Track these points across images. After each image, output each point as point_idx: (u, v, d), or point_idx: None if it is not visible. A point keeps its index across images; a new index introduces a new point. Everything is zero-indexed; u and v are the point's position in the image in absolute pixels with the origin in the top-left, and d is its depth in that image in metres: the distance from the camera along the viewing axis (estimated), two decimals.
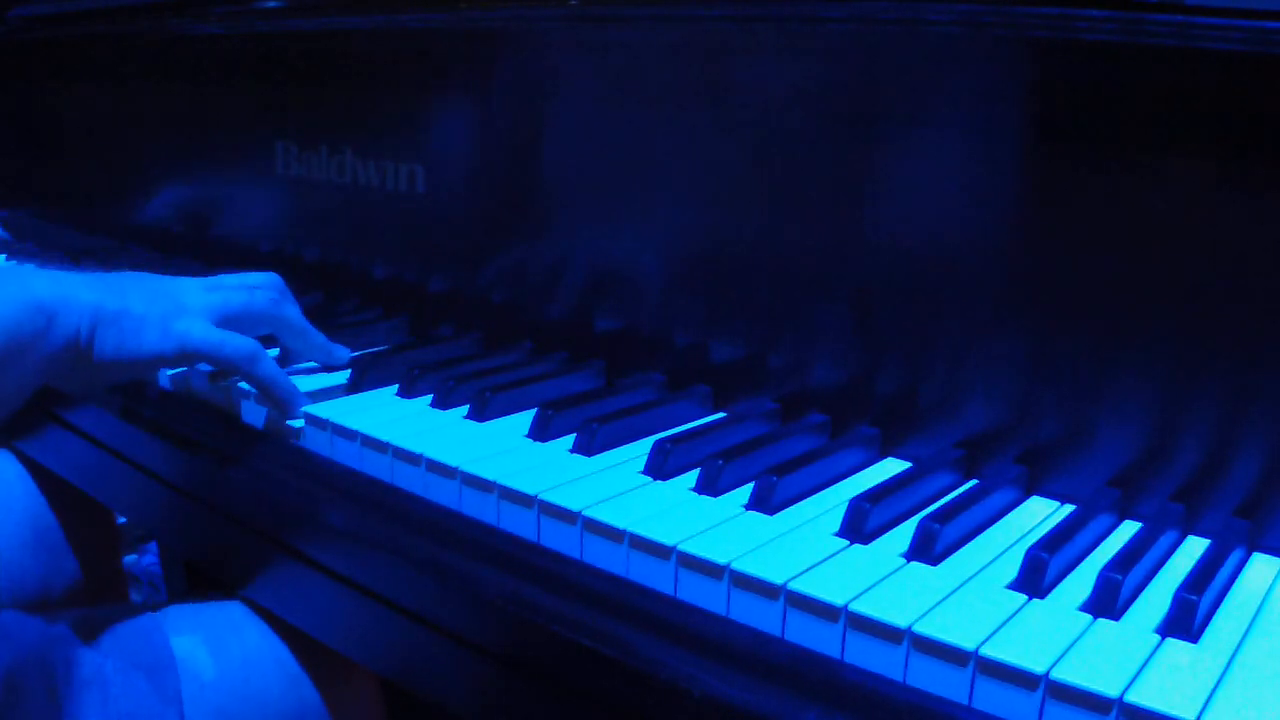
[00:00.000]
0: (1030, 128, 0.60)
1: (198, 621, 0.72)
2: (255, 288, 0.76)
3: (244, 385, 0.75)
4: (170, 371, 0.82)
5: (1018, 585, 0.50)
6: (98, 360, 0.68)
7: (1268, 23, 0.51)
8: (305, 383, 0.76)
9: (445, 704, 0.59)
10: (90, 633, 0.66)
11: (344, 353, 0.80)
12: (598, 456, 0.64)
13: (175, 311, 0.70)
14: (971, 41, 0.61)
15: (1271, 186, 0.53)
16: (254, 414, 0.75)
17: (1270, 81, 0.52)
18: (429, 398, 0.73)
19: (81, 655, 0.64)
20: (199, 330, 0.70)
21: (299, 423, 0.71)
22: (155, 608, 0.74)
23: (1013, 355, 0.61)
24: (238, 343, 0.71)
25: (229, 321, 0.73)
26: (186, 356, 0.71)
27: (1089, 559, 0.54)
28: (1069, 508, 0.60)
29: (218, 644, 0.71)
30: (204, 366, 0.78)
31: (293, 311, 0.77)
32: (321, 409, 0.70)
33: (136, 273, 0.74)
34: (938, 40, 0.62)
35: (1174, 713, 0.40)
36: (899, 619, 0.46)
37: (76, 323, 0.67)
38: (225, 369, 0.74)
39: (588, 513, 0.56)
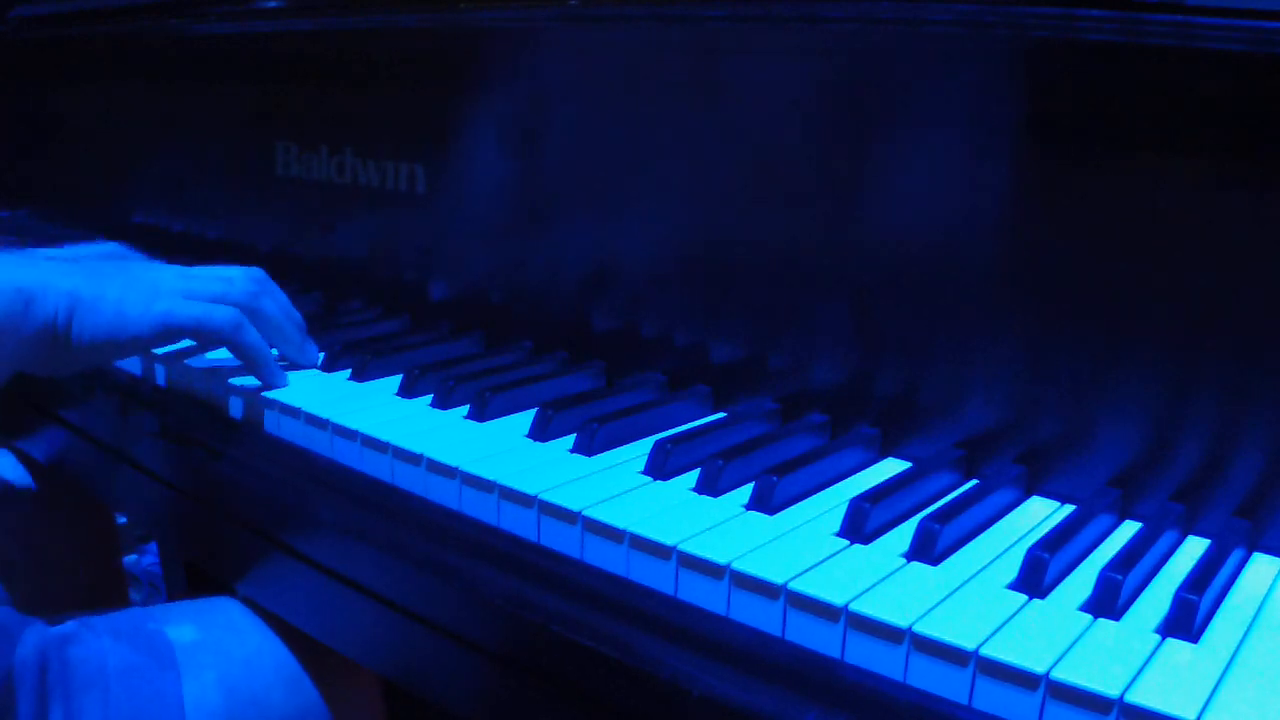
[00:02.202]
0: (1029, 127, 0.60)
1: (198, 622, 0.72)
2: (231, 279, 0.75)
3: (234, 382, 0.74)
4: (164, 369, 0.82)
5: (1018, 585, 0.50)
6: (76, 344, 0.68)
7: (1268, 23, 0.51)
8: (308, 383, 0.76)
9: (445, 704, 0.59)
10: (90, 634, 0.66)
11: (314, 353, 0.80)
12: (598, 456, 0.64)
13: (152, 295, 0.71)
14: (971, 41, 0.61)
15: (1271, 186, 0.53)
16: (238, 408, 0.74)
17: (1270, 81, 0.52)
18: (429, 397, 0.73)
19: (82, 656, 0.64)
20: (180, 306, 0.71)
21: (275, 393, 0.72)
22: (155, 608, 0.75)
23: (1013, 355, 0.61)
24: (222, 312, 0.72)
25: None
26: (169, 334, 0.71)
27: (1089, 559, 0.54)
28: (1069, 508, 0.60)
29: (219, 644, 0.71)
30: (194, 362, 0.79)
31: (269, 305, 0.76)
32: (322, 409, 0.70)
33: (113, 260, 0.75)
34: (938, 40, 0.62)
35: (1174, 713, 0.40)
36: (899, 619, 0.46)
37: (54, 306, 0.67)
38: (208, 341, 0.74)
39: (588, 512, 0.56)
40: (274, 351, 0.77)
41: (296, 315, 0.80)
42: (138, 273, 0.73)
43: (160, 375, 0.84)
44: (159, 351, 0.83)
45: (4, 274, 0.66)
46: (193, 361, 0.81)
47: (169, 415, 0.79)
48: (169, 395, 0.82)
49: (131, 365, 0.86)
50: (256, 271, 0.78)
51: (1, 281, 0.65)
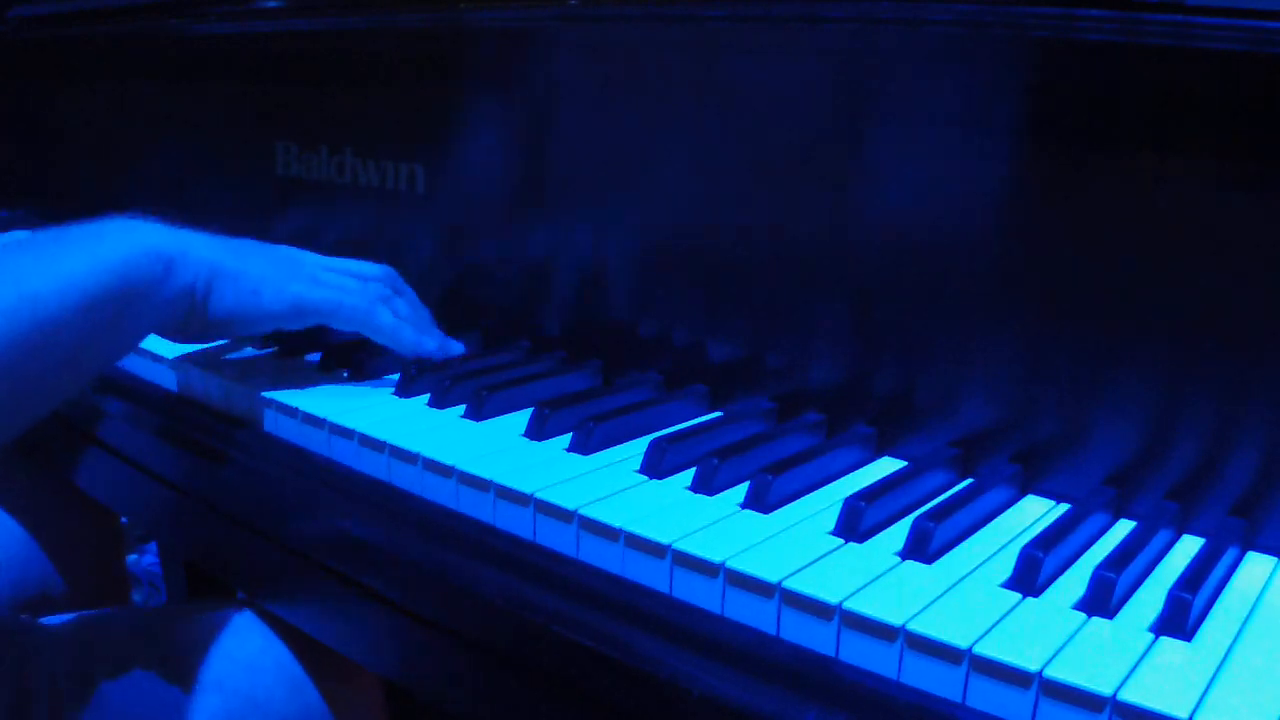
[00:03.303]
0: (1027, 127, 0.60)
1: (200, 625, 0.72)
2: (365, 275, 0.77)
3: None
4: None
5: (1012, 584, 0.50)
6: (212, 315, 0.69)
7: (1267, 23, 0.51)
8: (306, 382, 0.76)
9: (444, 704, 0.59)
10: (93, 637, 0.66)
11: (429, 343, 0.77)
12: (594, 455, 0.64)
13: (290, 275, 0.72)
14: (971, 41, 0.61)
15: (1270, 186, 0.53)
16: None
17: (1270, 81, 0.52)
18: (426, 397, 0.73)
19: (84, 659, 0.65)
20: (315, 290, 0.72)
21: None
22: (156, 610, 0.75)
23: (1009, 354, 0.61)
24: (354, 300, 0.73)
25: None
26: (302, 314, 0.72)
27: (1084, 557, 0.54)
28: (1064, 506, 0.60)
29: (220, 647, 0.71)
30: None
31: (384, 316, 0.75)
32: (319, 408, 0.70)
33: (253, 240, 0.75)
34: (938, 40, 0.62)
35: (1167, 711, 0.40)
36: (893, 617, 0.46)
37: (194, 274, 0.68)
38: (340, 327, 0.75)
39: (583, 511, 0.56)
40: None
41: (426, 313, 0.80)
42: (279, 253, 0.75)
43: (160, 376, 0.84)
44: (158, 353, 0.83)
45: (146, 238, 0.66)
46: (192, 358, 0.81)
47: (169, 415, 0.79)
48: (173, 399, 0.82)
49: (129, 362, 0.86)
50: (390, 271, 0.79)
51: (144, 244, 0.66)
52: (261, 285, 0.71)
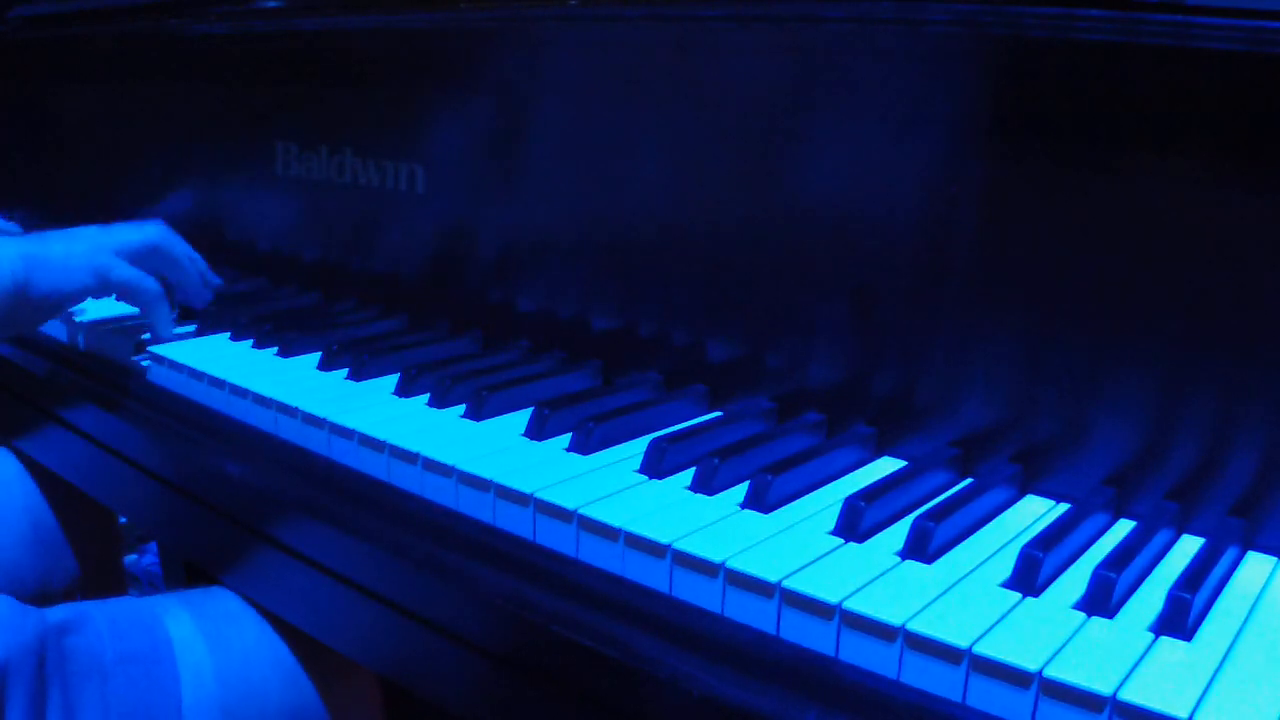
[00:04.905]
0: (1026, 127, 0.60)
1: (196, 613, 0.72)
2: (145, 224, 0.89)
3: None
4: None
5: (1012, 583, 0.50)
6: (34, 296, 0.80)
7: (1268, 22, 0.51)
8: (306, 381, 0.77)
9: (443, 702, 0.59)
10: (88, 624, 0.66)
11: (216, 281, 0.95)
12: (594, 455, 0.64)
13: (93, 250, 0.83)
14: (971, 41, 0.61)
15: (1270, 186, 0.53)
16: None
17: (1270, 81, 0.52)
18: (426, 396, 0.73)
19: (79, 646, 0.65)
20: (119, 267, 0.83)
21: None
22: (153, 598, 0.75)
23: (1008, 354, 0.61)
24: (150, 283, 0.85)
25: (134, 257, 0.86)
26: (108, 288, 0.83)
27: (1083, 557, 0.54)
28: (1064, 506, 0.60)
29: (216, 636, 0.71)
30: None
31: (180, 247, 0.90)
32: (318, 408, 0.70)
33: (53, 229, 0.86)
34: (937, 40, 0.62)
35: (1167, 711, 0.40)
36: (893, 617, 0.46)
37: (12, 268, 0.79)
38: (134, 302, 0.86)
39: (583, 511, 0.56)
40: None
41: (199, 263, 0.93)
42: (77, 234, 0.85)
43: (159, 375, 0.84)
44: (160, 349, 0.83)
45: None
46: (193, 362, 0.81)
47: (168, 414, 0.79)
48: (165, 395, 0.82)
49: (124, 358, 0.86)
50: (160, 220, 0.91)
51: None
52: (69, 263, 0.81)
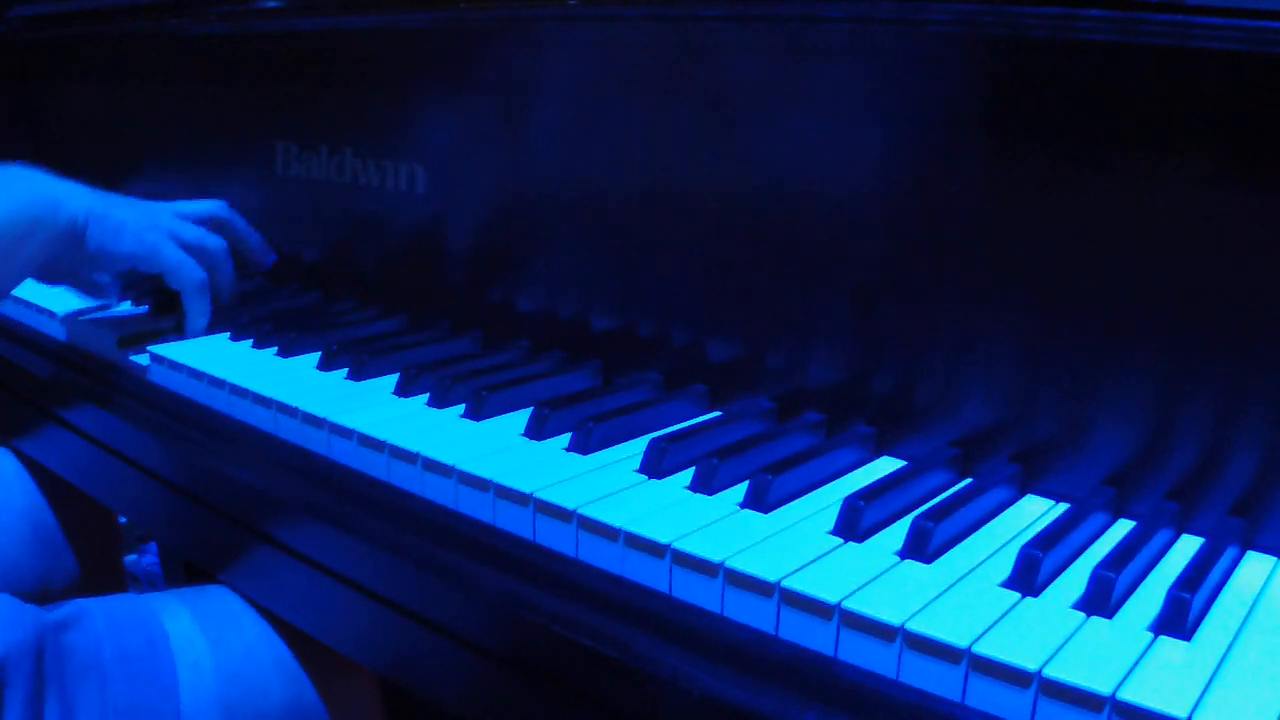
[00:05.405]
0: (1026, 127, 0.60)
1: (195, 610, 0.72)
2: (208, 201, 0.97)
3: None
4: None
5: (1011, 583, 0.50)
6: (88, 248, 0.85)
7: (1267, 23, 0.51)
8: (306, 381, 0.77)
9: (442, 701, 0.59)
10: (86, 621, 0.67)
11: (273, 256, 1.02)
12: (594, 455, 0.64)
13: (149, 224, 0.87)
14: (971, 41, 0.61)
15: (1270, 186, 0.53)
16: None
17: (1270, 81, 0.52)
18: (425, 396, 0.73)
19: (78, 643, 0.65)
20: (167, 249, 0.87)
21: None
22: (152, 595, 0.75)
23: (1008, 354, 0.61)
24: (190, 271, 0.88)
25: (198, 222, 0.92)
26: (152, 260, 0.87)
27: (1083, 557, 0.54)
28: (1063, 506, 0.60)
29: (215, 633, 0.71)
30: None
31: (241, 219, 0.98)
32: (318, 407, 0.70)
33: (120, 194, 0.91)
34: (938, 40, 0.62)
35: (1166, 710, 0.40)
36: (892, 616, 0.46)
37: (75, 211, 0.84)
38: (173, 284, 0.89)
39: (583, 511, 0.56)
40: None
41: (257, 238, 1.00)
42: (140, 206, 0.90)
43: (159, 375, 0.84)
44: (160, 349, 0.83)
45: (37, 182, 0.85)
46: (193, 362, 0.81)
47: (167, 414, 0.79)
48: (164, 394, 0.82)
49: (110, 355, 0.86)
50: (223, 202, 0.98)
51: (37, 187, 0.84)
52: (123, 228, 0.86)
